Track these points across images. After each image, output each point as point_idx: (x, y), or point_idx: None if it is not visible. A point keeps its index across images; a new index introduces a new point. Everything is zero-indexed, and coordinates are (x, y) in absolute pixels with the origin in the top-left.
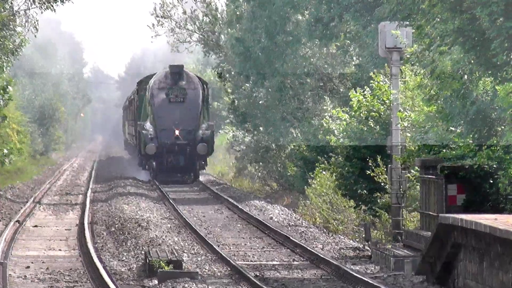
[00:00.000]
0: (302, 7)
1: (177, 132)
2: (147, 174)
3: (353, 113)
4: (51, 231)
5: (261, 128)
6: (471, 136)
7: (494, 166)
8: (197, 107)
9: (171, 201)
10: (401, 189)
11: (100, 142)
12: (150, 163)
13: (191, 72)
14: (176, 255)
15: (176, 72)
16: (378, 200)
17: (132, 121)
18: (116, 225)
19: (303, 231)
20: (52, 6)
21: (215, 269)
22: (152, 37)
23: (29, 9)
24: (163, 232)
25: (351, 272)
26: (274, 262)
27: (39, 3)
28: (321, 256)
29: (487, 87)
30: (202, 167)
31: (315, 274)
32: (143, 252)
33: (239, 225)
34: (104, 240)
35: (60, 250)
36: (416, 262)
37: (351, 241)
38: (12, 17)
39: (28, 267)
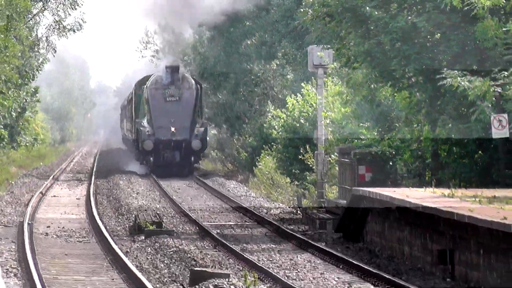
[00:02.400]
0: (251, 34)
1: (173, 129)
2: (144, 168)
3: (289, 113)
4: (66, 200)
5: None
6: (376, 130)
7: (393, 152)
8: (192, 106)
9: (154, 177)
10: (324, 169)
11: (102, 135)
12: (147, 158)
13: (186, 73)
14: (158, 218)
15: (172, 72)
16: (307, 177)
17: (130, 119)
18: (114, 195)
19: (252, 200)
20: (66, 34)
21: (187, 228)
22: (139, 58)
23: (50, 36)
24: (148, 200)
25: (287, 230)
26: (231, 223)
27: (57, 32)
28: (266, 218)
29: (388, 94)
30: (196, 162)
31: (261, 231)
32: (133, 215)
33: (205, 196)
34: (104, 207)
35: (72, 214)
36: (336, 223)
37: (287, 207)
38: (37, 42)
39: (48, 226)
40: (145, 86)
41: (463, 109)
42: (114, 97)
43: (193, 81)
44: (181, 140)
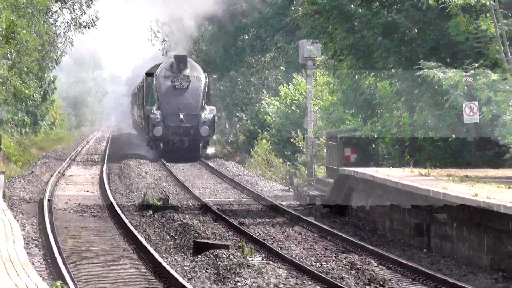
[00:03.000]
0: (247, 30)
1: (182, 116)
2: (154, 152)
3: (282, 100)
4: (82, 179)
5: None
6: (360, 116)
7: (375, 136)
8: (199, 93)
9: (163, 160)
10: (313, 151)
11: (114, 120)
12: (157, 143)
13: (194, 61)
14: (164, 194)
15: (180, 61)
16: (298, 158)
17: (141, 106)
18: (125, 175)
19: (249, 179)
20: (82, 30)
21: (190, 204)
22: (150, 47)
23: (67, 32)
24: (156, 179)
25: (280, 206)
26: (230, 199)
27: (73, 28)
28: (261, 195)
29: (370, 83)
30: (204, 148)
31: (257, 207)
32: (142, 192)
33: (206, 175)
34: (116, 185)
35: (87, 191)
36: (324, 199)
37: (280, 185)
38: (55, 37)
39: (66, 202)
40: (154, 74)
41: (438, 97)
42: (125, 86)
43: (201, 70)
44: (190, 126)
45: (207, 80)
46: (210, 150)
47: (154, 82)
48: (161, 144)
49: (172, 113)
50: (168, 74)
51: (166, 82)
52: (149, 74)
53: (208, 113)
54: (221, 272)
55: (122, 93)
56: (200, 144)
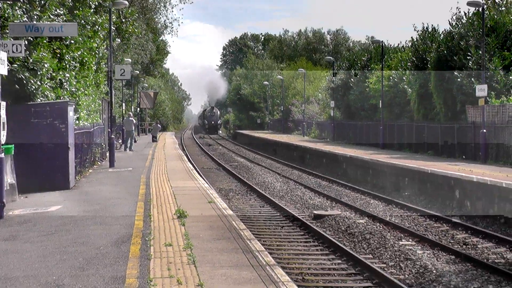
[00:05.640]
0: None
1: (212, 122)
2: (204, 131)
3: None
4: (187, 134)
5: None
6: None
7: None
8: (218, 116)
9: (204, 133)
10: (232, 127)
11: (193, 122)
12: (205, 128)
13: (216, 107)
14: (202, 136)
15: (212, 107)
16: (230, 130)
17: (201, 118)
18: (195, 131)
19: (220, 135)
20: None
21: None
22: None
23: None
24: (200, 137)
25: (225, 138)
26: (210, 141)
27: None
28: (222, 137)
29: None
30: (219, 129)
31: (217, 138)
32: (199, 139)
33: (205, 136)
34: (188, 144)
35: (189, 136)
36: (231, 137)
37: (226, 135)
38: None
39: (187, 138)
40: (205, 110)
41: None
42: (199, 112)
43: (217, 109)
44: (214, 123)
45: (219, 112)
46: (220, 132)
47: (205, 112)
48: (207, 129)
49: (210, 120)
50: (209, 110)
51: (207, 113)
52: (204, 110)
53: (219, 120)
54: (204, 149)
55: (195, 116)
56: (218, 129)
